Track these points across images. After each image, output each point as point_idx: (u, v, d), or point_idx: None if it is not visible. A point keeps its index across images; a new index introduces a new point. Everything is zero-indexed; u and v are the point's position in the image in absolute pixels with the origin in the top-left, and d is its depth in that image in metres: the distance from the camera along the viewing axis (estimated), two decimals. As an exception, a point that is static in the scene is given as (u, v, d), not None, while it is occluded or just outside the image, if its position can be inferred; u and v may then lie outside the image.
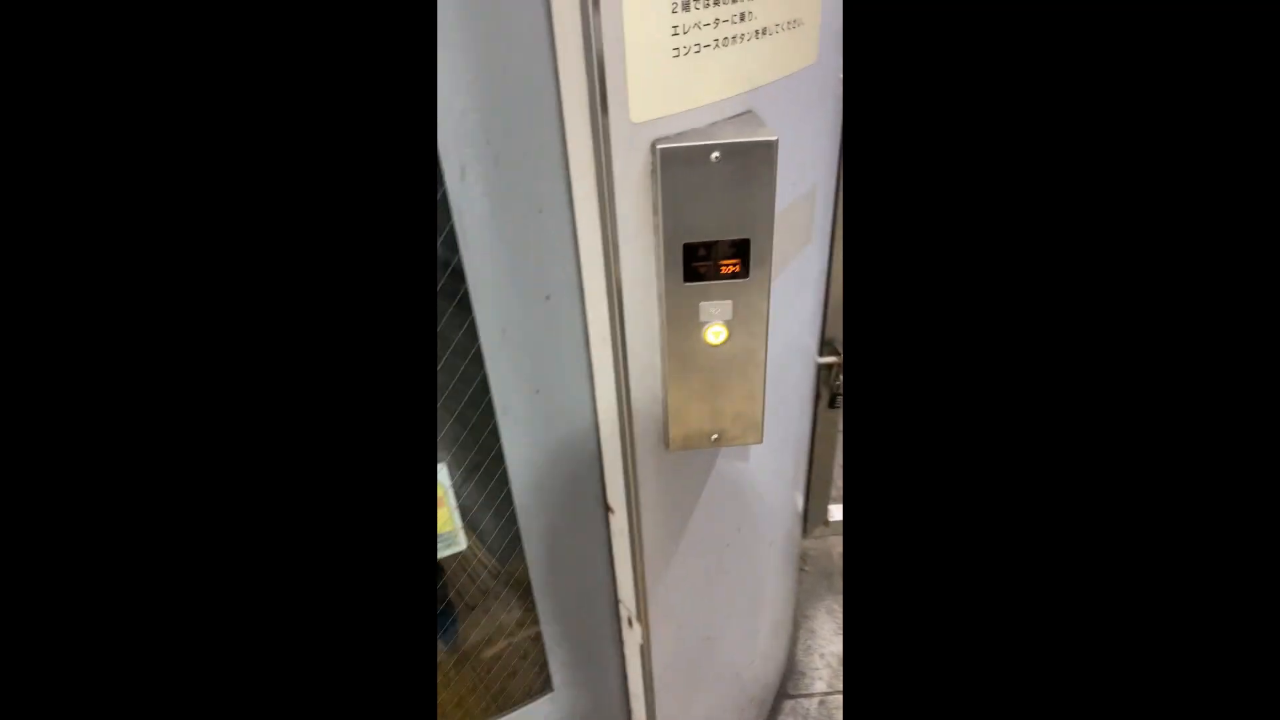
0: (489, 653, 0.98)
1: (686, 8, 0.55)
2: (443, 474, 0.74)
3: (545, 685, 0.96)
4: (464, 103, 0.57)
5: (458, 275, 0.64)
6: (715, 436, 0.76)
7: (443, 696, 0.98)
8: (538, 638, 0.92)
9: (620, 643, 0.98)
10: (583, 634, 0.95)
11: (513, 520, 0.81)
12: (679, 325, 0.68)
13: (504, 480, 0.77)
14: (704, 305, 0.67)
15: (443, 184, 0.59)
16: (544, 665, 0.94)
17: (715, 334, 0.69)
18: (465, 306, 0.66)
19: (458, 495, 0.77)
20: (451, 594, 0.92)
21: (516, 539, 0.82)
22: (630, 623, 0.92)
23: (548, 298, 0.69)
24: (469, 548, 0.81)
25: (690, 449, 0.78)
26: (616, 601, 0.94)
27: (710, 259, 0.64)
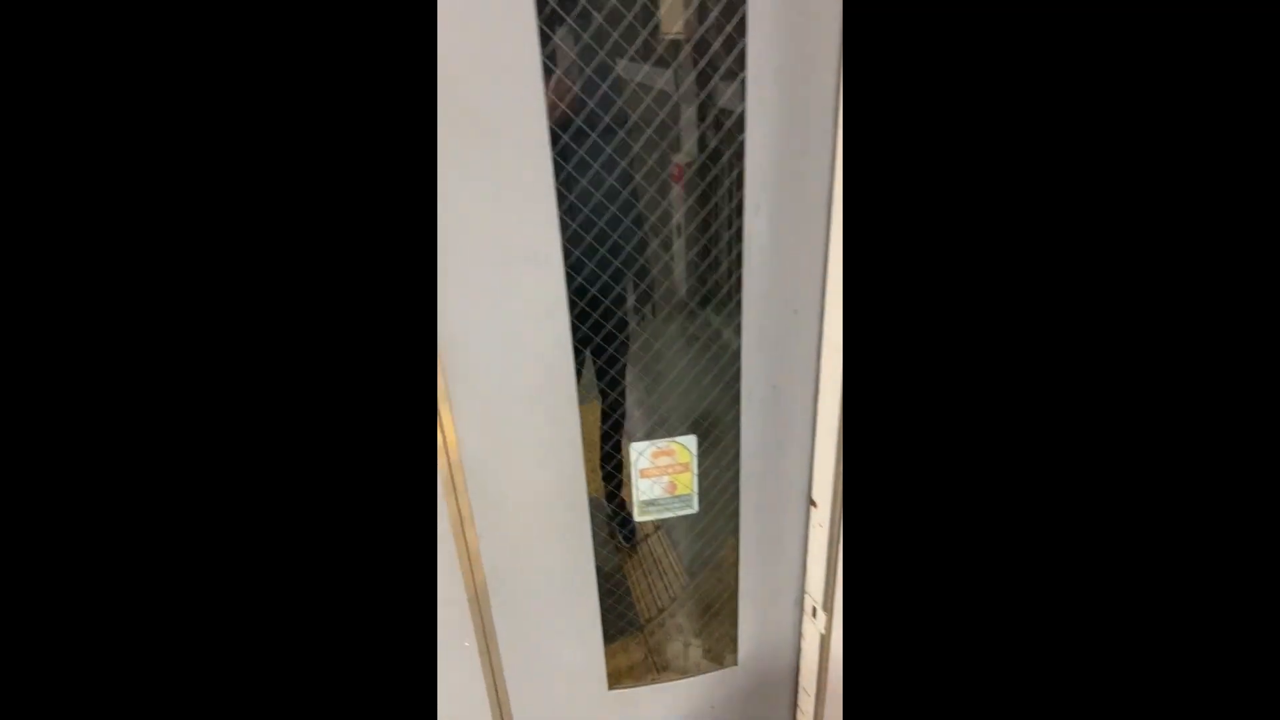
0: (688, 617, 1.14)
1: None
2: (691, 443, 0.95)
3: (732, 657, 1.11)
4: (769, 159, 0.79)
5: (737, 286, 0.86)
6: (916, 444, 0.91)
7: (640, 654, 1.16)
8: (734, 611, 1.08)
9: (799, 633, 1.11)
10: (769, 616, 1.09)
11: (734, 497, 0.99)
12: (900, 343, 0.86)
13: (735, 457, 0.96)
14: (924, 328, 0.84)
15: (741, 217, 0.82)
16: (735, 639, 1.10)
17: (930, 353, 0.85)
18: (736, 311, 0.87)
19: (699, 464, 0.96)
20: (669, 560, 1.10)
21: (734, 515, 1.00)
22: (815, 613, 1.06)
23: (795, 312, 0.89)
24: (700, 508, 1.00)
25: (893, 453, 0.93)
26: (803, 592, 1.08)
27: (935, 290, 0.82)
